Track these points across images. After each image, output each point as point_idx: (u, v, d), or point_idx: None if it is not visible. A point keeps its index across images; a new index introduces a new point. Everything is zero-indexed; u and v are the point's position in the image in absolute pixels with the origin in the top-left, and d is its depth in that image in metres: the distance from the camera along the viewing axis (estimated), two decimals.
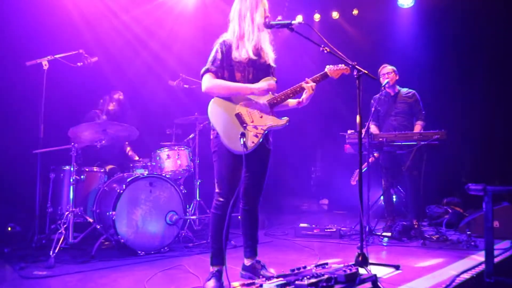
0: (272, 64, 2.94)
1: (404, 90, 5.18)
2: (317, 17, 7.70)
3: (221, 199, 2.75)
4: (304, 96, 2.92)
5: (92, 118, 4.76)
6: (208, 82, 2.77)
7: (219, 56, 2.79)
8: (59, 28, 4.80)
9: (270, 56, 2.91)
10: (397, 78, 5.12)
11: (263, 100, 2.83)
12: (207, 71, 2.79)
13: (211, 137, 2.85)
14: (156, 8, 5.98)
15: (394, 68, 5.12)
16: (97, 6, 5.31)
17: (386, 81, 4.95)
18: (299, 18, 7.37)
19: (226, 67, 2.80)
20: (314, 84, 2.88)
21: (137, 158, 5.05)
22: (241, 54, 2.78)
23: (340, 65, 2.98)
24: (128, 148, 5.12)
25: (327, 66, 2.99)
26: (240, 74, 2.81)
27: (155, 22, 5.97)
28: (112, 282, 2.98)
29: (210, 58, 2.82)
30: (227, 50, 2.80)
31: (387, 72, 5.07)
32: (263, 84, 2.79)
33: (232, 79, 2.80)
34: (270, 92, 2.85)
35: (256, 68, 2.84)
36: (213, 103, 2.79)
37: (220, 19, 2.96)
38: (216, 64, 2.79)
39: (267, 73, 2.89)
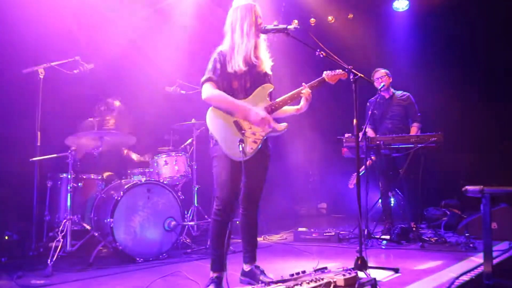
0: (269, 71, 2.94)
1: (399, 93, 5.20)
2: (312, 21, 7.74)
3: (221, 205, 2.75)
4: (302, 103, 2.93)
5: (89, 126, 4.74)
6: (209, 91, 2.76)
7: (218, 66, 2.80)
8: (55, 36, 4.79)
9: (266, 63, 2.91)
10: (391, 80, 5.15)
11: (261, 106, 2.82)
12: (209, 80, 2.78)
13: (211, 145, 2.85)
14: (153, 14, 5.98)
15: (387, 71, 5.15)
16: (93, 13, 5.30)
17: (382, 84, 4.97)
18: (295, 23, 7.45)
19: (224, 77, 2.81)
20: (310, 91, 2.89)
21: (134, 156, 5.03)
22: (234, 66, 2.79)
23: (337, 70, 2.99)
24: (126, 151, 5.10)
25: (325, 72, 2.99)
26: (237, 83, 2.82)
27: (152, 28, 5.97)
28: None
29: (210, 67, 2.82)
30: (223, 60, 2.81)
31: (380, 76, 5.10)
32: (261, 113, 2.75)
33: (229, 87, 2.80)
34: (267, 98, 2.86)
35: (252, 77, 2.85)
36: (211, 111, 2.80)
37: (217, 25, 2.97)
38: (217, 74, 2.79)
39: (264, 81, 2.89)
